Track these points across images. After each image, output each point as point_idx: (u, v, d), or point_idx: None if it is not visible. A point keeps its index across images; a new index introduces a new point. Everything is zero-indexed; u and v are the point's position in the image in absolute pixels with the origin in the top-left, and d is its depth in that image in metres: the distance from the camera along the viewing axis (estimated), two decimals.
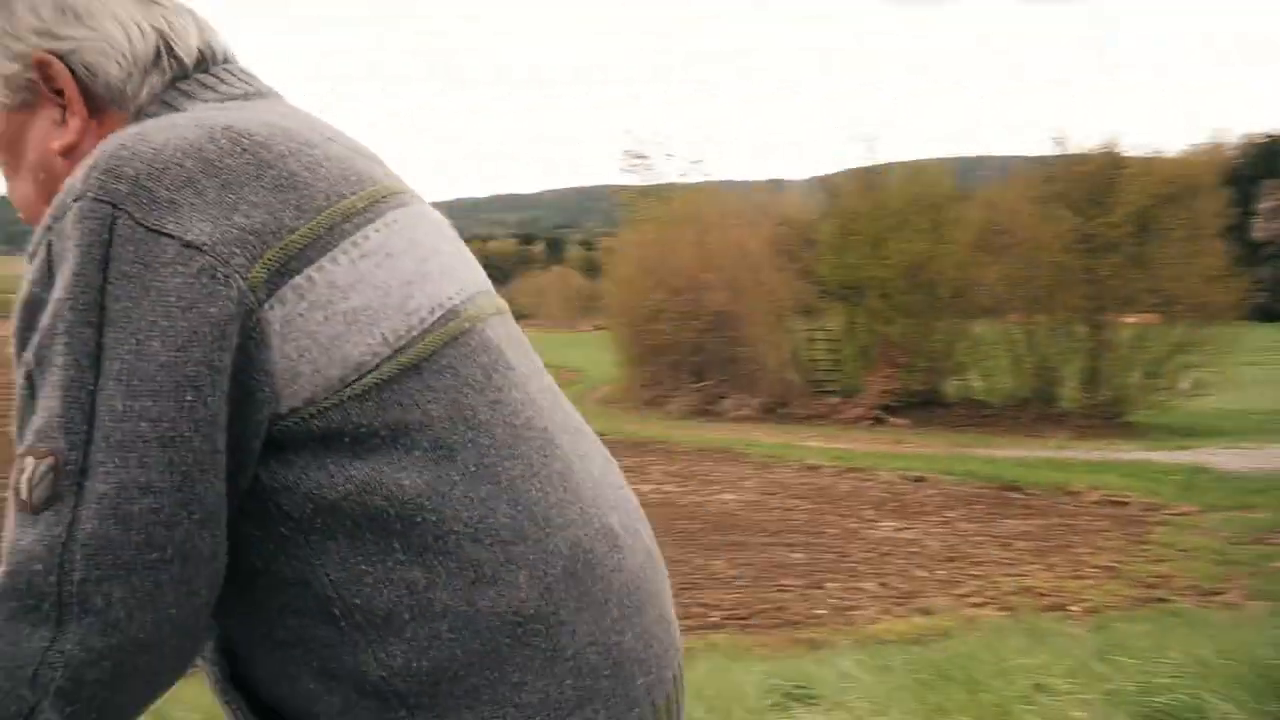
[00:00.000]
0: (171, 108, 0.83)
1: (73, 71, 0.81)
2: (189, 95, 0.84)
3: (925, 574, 7.54)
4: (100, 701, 0.66)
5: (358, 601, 0.73)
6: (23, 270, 0.72)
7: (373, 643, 0.73)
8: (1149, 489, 10.47)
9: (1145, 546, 8.25)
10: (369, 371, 0.73)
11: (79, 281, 0.67)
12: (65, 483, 0.65)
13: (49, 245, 0.70)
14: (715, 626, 6.20)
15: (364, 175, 0.82)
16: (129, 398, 0.66)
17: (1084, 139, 19.24)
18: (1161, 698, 3.21)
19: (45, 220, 0.72)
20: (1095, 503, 10.21)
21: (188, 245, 0.68)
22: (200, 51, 0.87)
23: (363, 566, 0.73)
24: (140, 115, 0.83)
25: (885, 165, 21.71)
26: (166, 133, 0.74)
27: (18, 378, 0.71)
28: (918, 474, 11.87)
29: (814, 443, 15.41)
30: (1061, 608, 6.47)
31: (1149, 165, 17.92)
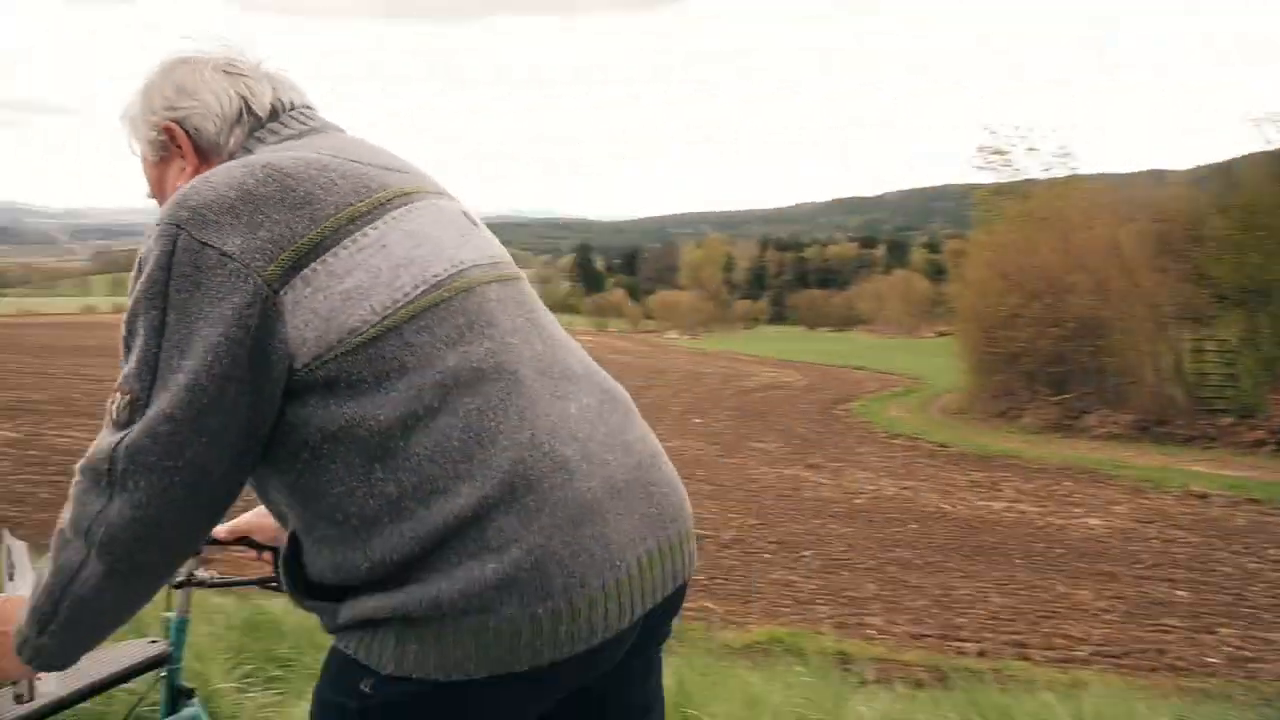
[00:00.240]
0: (249, 151, 1.15)
1: (186, 132, 1.16)
2: (261, 140, 1.16)
3: None
4: (128, 557, 0.97)
5: (352, 509, 0.99)
6: None
7: (362, 539, 0.99)
8: None
9: None
10: (359, 334, 0.99)
11: (152, 278, 0.99)
12: (136, 413, 0.97)
13: (143, 253, 1.02)
14: (1083, 662, 5.68)
15: (375, 185, 1.08)
16: (177, 358, 0.96)
17: None
18: None
19: (145, 236, 1.03)
20: None
21: (224, 254, 0.98)
22: (272, 106, 1.18)
23: (354, 483, 0.99)
24: (230, 159, 1.14)
25: None
26: (222, 174, 1.04)
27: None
28: None
29: (1200, 467, 13.56)
30: None
31: None
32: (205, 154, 1.17)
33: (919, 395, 25.88)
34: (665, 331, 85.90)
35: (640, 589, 1.06)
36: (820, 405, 23.55)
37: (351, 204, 1.05)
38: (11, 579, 1.33)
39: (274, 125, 1.17)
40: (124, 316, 1.02)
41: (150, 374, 0.97)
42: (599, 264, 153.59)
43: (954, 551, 8.77)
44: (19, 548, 1.34)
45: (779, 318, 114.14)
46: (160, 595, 1.21)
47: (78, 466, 1.00)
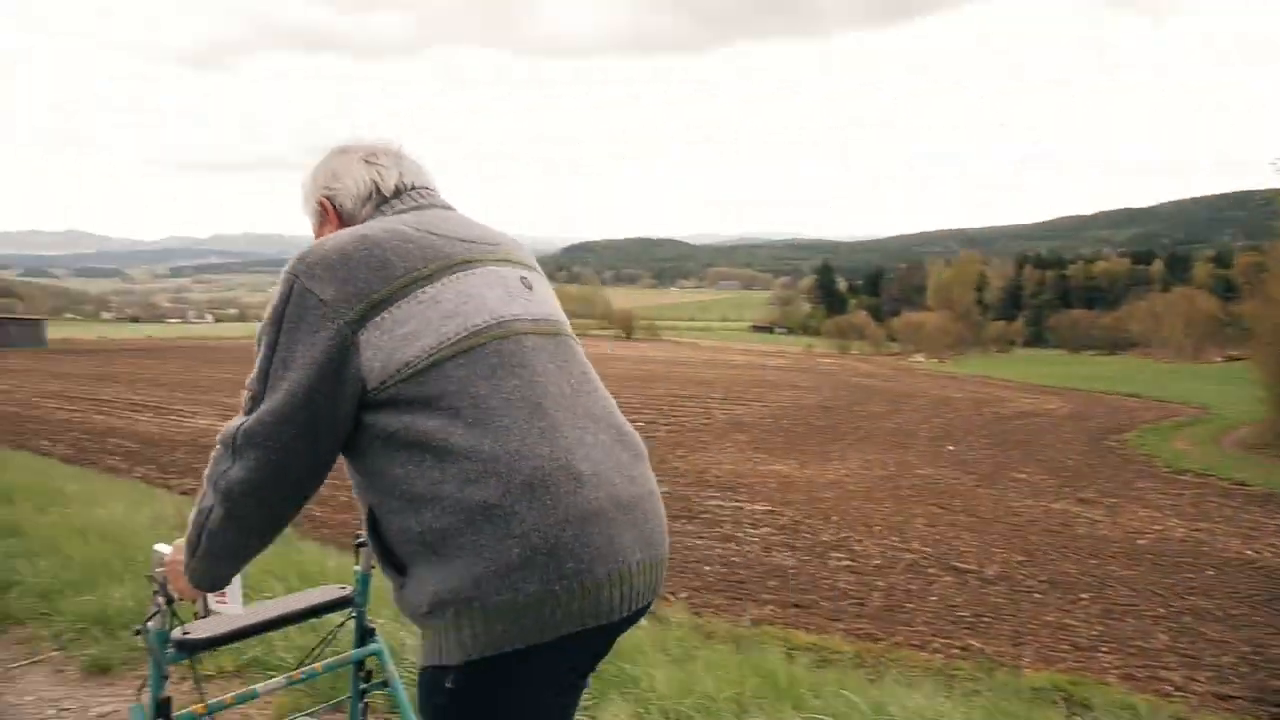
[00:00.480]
0: (373, 220, 1.52)
1: (334, 206, 1.57)
2: (383, 212, 1.54)
3: None
4: (239, 506, 1.35)
5: (406, 488, 1.30)
6: None
7: (412, 512, 1.30)
8: None
9: None
10: (412, 367, 1.32)
11: (275, 310, 1.36)
12: (254, 405, 1.34)
13: (274, 288, 1.39)
14: None
15: (441, 254, 1.42)
16: (282, 370, 1.32)
17: None
18: None
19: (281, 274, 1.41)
20: None
21: (320, 300, 1.33)
22: (396, 186, 1.56)
23: (409, 468, 1.30)
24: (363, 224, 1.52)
25: None
26: (334, 239, 1.40)
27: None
28: None
29: None
30: None
31: None
32: (345, 221, 1.56)
33: (1207, 427, 23.23)
34: (910, 355, 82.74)
35: (635, 587, 1.34)
36: (1089, 435, 21.73)
37: (418, 269, 1.39)
38: None
39: (394, 202, 1.56)
40: (256, 332, 1.45)
41: (264, 379, 1.35)
42: (841, 285, 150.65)
43: (1263, 604, 7.79)
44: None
45: (1037, 340, 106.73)
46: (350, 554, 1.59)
47: (217, 438, 1.38)
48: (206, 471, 1.39)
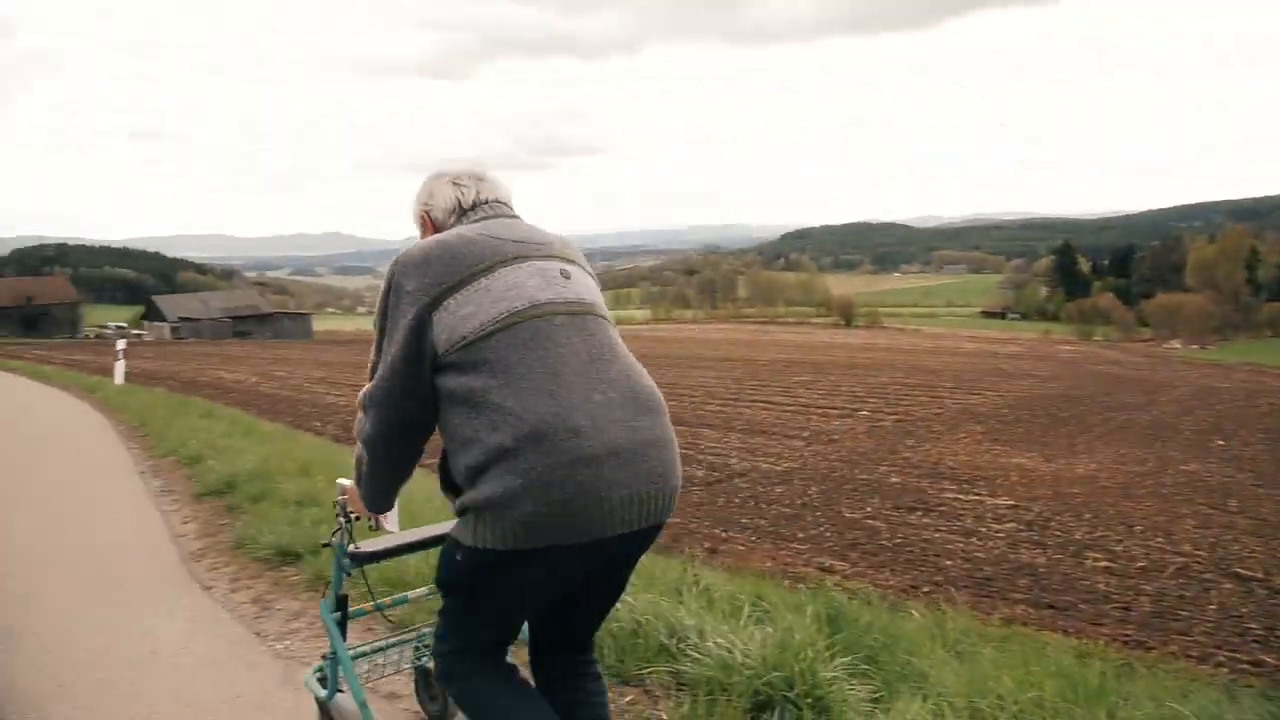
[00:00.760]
0: (453, 228, 1.98)
1: (431, 219, 2.06)
2: (463, 222, 2.00)
3: None
4: (372, 450, 1.90)
5: (458, 433, 1.74)
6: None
7: (462, 452, 1.73)
8: None
9: None
10: (466, 340, 1.75)
11: (381, 300, 1.84)
12: (373, 375, 1.84)
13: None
14: None
15: (496, 253, 1.85)
16: (387, 346, 1.81)
17: None
18: None
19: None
20: None
21: (407, 291, 1.80)
22: (473, 201, 2.03)
23: (460, 419, 1.74)
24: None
25: None
26: (420, 245, 1.87)
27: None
28: None
29: None
30: None
31: None
32: (438, 229, 2.04)
33: None
34: (1165, 341, 75.36)
35: (616, 515, 1.71)
36: None
37: (477, 265, 1.83)
38: None
39: (471, 213, 2.03)
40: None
41: (378, 352, 1.86)
42: (1083, 265, 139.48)
43: None
44: None
45: None
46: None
47: (357, 400, 1.91)
48: (355, 428, 1.94)
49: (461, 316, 1.74)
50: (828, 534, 9.06)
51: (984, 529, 9.28)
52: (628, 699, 2.65)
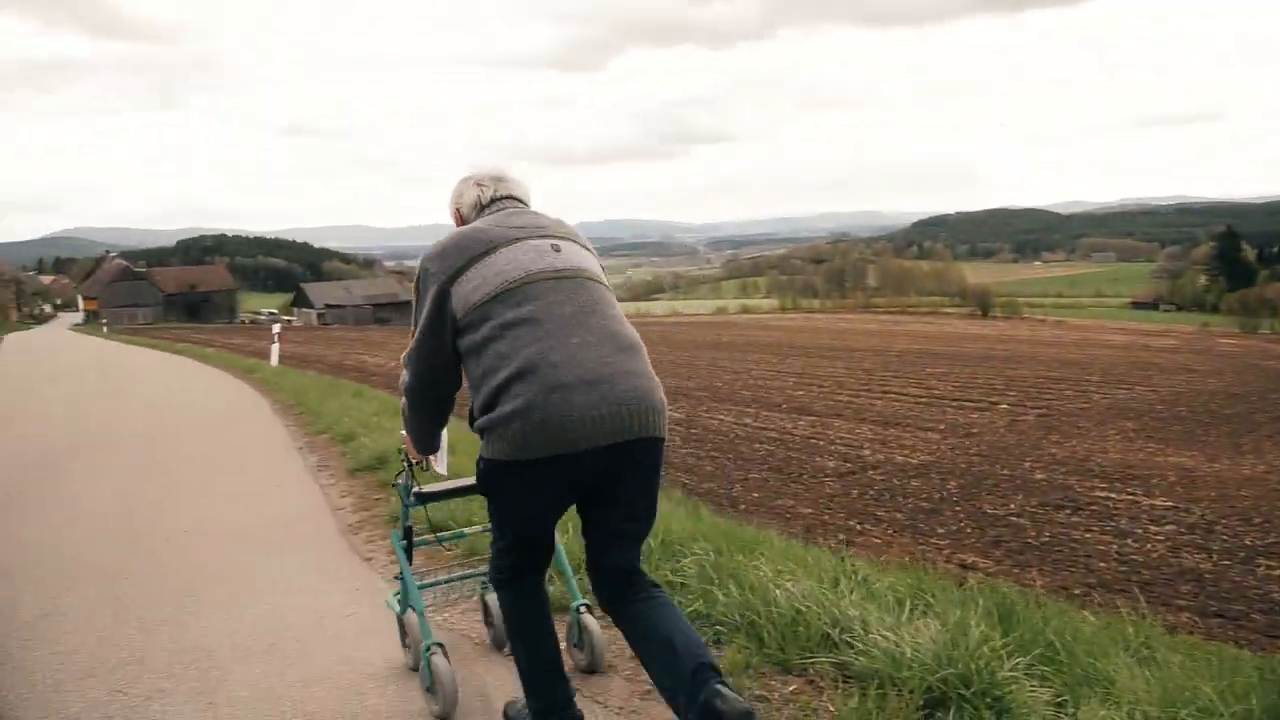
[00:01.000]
0: (474, 221, 2.49)
1: (460, 214, 2.57)
2: (483, 215, 2.49)
3: None
4: (411, 399, 2.51)
5: (473, 377, 2.25)
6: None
7: (478, 391, 2.23)
8: None
9: None
10: (475, 305, 2.23)
11: (416, 281, 2.40)
12: (411, 339, 2.40)
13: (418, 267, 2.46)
14: None
15: (501, 237, 2.32)
16: (419, 317, 2.35)
17: None
18: None
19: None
20: None
21: (432, 273, 2.33)
22: (492, 198, 2.52)
23: (473, 367, 2.25)
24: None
25: None
26: (442, 239, 2.38)
27: None
28: None
29: None
30: None
31: None
32: (465, 222, 2.49)
33: None
34: None
35: (585, 431, 2.09)
36: None
37: (485, 247, 2.28)
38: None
39: (489, 208, 2.49)
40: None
41: (414, 324, 2.36)
42: (1248, 253, 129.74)
43: None
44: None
45: None
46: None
47: (401, 358, 2.42)
48: (399, 382, 2.51)
49: (472, 288, 2.22)
50: (968, 530, 8.78)
51: (1140, 530, 8.80)
52: (791, 688, 2.61)
